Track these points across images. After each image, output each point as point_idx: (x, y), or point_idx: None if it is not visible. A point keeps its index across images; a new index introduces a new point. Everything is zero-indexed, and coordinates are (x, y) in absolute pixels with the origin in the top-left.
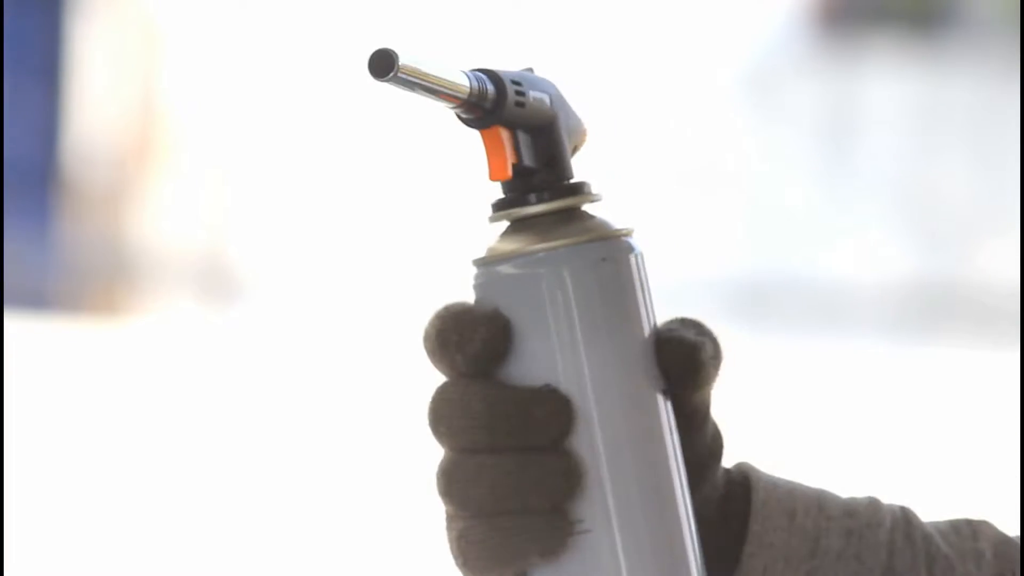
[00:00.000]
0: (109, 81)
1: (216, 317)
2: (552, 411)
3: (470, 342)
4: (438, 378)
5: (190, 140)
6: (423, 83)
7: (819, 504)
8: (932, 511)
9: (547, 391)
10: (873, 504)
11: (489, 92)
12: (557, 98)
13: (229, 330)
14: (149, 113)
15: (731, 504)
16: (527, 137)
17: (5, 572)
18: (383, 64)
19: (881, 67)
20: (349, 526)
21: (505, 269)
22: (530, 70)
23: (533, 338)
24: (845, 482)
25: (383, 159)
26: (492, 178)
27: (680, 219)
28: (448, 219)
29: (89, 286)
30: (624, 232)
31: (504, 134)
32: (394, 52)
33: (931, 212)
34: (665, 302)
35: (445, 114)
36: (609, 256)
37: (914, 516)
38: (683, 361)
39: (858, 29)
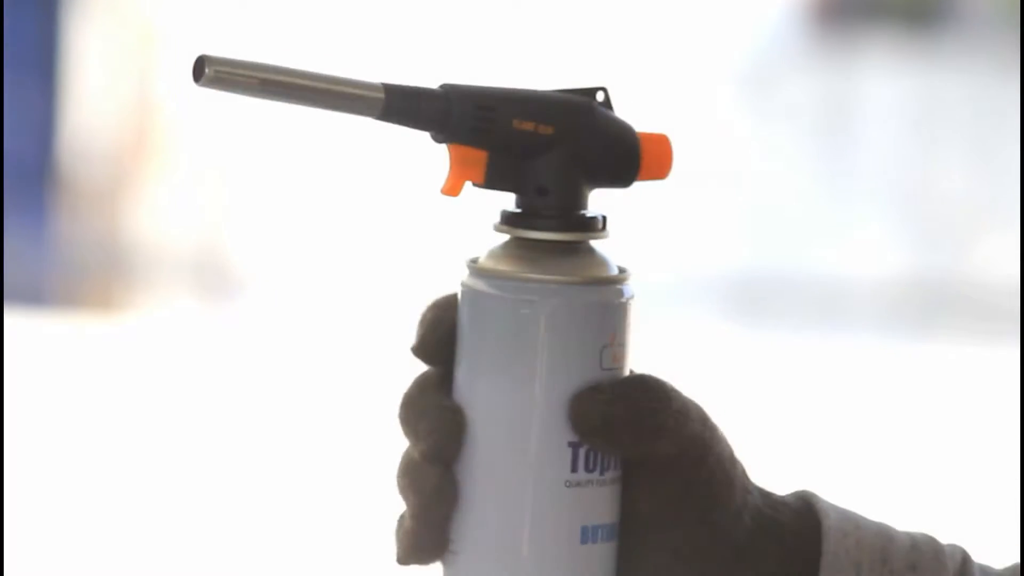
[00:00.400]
0: (106, 78)
1: (213, 313)
2: (433, 428)
3: (414, 339)
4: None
5: (187, 137)
6: (255, 87)
7: (883, 554)
8: (932, 510)
9: (445, 408)
10: (934, 550)
11: (427, 110)
12: (575, 129)
13: (226, 326)
14: (146, 110)
15: (797, 552)
16: (505, 161)
17: (5, 571)
18: (195, 68)
19: (878, 64)
20: (346, 522)
21: (479, 283)
22: (603, 90)
23: (472, 354)
24: (845, 481)
25: (380, 156)
26: (442, 192)
27: (678, 216)
28: (445, 215)
29: (86, 282)
30: (620, 278)
31: (465, 153)
32: (206, 56)
33: (929, 208)
34: (664, 300)
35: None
36: (593, 301)
37: (971, 564)
38: (576, 422)
39: (855, 26)
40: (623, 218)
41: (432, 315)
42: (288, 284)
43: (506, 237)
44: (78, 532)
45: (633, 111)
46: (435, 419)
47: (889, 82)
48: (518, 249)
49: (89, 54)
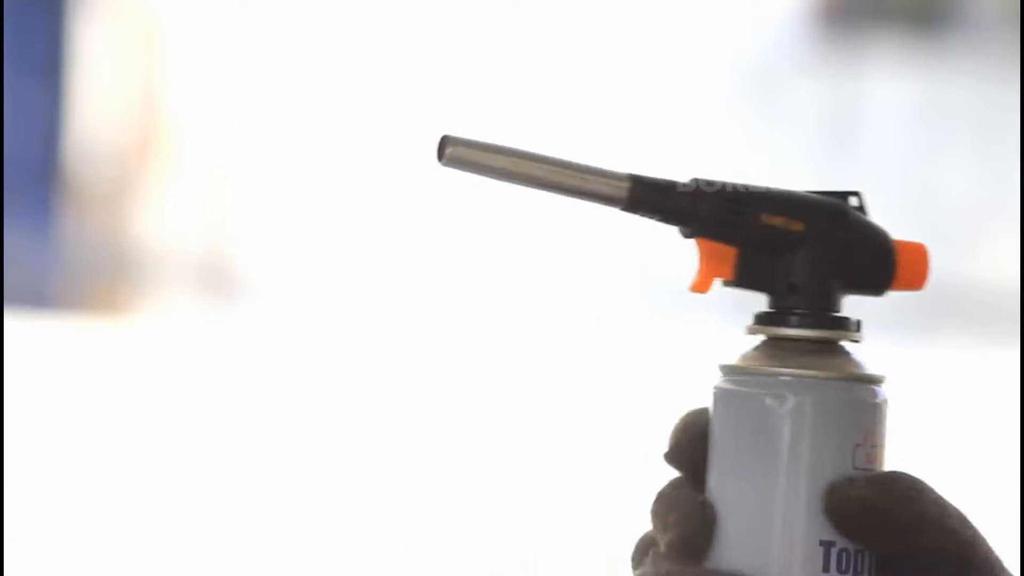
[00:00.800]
0: (111, 79)
1: (217, 315)
2: (682, 519)
3: (666, 446)
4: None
5: (191, 138)
6: (496, 171)
7: None
8: None
9: (696, 501)
10: None
11: (674, 203)
12: (826, 228)
13: (230, 328)
14: (151, 111)
15: None
16: (755, 257)
17: (5, 572)
18: (438, 147)
19: (883, 66)
20: (350, 525)
21: (730, 383)
22: (856, 195)
23: (723, 453)
24: None
25: (384, 157)
26: (691, 289)
27: None
28: (446, 217)
29: (90, 284)
30: (875, 378)
31: (713, 249)
32: (448, 136)
33: (933, 211)
34: (670, 303)
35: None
36: (847, 398)
37: None
38: (832, 511)
39: (860, 28)
40: (628, 220)
41: (681, 423)
42: (293, 287)
43: (759, 338)
44: (81, 535)
45: (639, 113)
46: (685, 510)
47: (894, 85)
48: (770, 348)
49: (94, 55)
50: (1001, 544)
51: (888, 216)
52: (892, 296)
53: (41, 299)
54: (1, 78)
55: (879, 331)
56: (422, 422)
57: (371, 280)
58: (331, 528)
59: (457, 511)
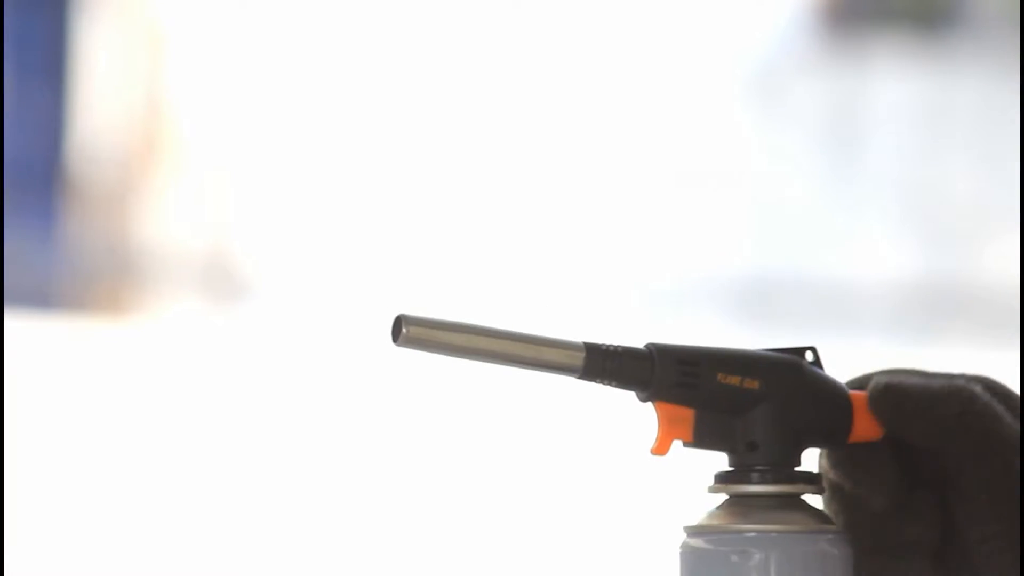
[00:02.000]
0: (114, 80)
1: (221, 316)
2: None
3: None
4: None
5: (195, 139)
6: (453, 348)
7: None
8: None
9: None
10: None
11: (629, 368)
12: (782, 385)
13: (234, 329)
14: (154, 112)
15: None
16: (713, 418)
17: (5, 572)
18: (393, 328)
19: (886, 67)
20: (352, 526)
21: (696, 541)
22: (811, 349)
23: None
24: None
25: (387, 157)
26: (651, 452)
27: (684, 219)
28: (447, 217)
29: (93, 285)
30: (836, 530)
31: (672, 412)
32: (404, 316)
33: (936, 212)
34: (671, 304)
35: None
36: (809, 551)
37: None
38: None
39: (863, 29)
40: (630, 221)
41: None
42: (297, 287)
43: (722, 497)
44: (83, 537)
45: (639, 113)
46: None
47: (897, 85)
48: (733, 506)
49: (98, 57)
50: None
51: (890, 216)
52: (892, 297)
53: (44, 300)
54: (2, 79)
55: (879, 332)
56: (425, 424)
57: (375, 281)
58: (334, 530)
59: (457, 512)
